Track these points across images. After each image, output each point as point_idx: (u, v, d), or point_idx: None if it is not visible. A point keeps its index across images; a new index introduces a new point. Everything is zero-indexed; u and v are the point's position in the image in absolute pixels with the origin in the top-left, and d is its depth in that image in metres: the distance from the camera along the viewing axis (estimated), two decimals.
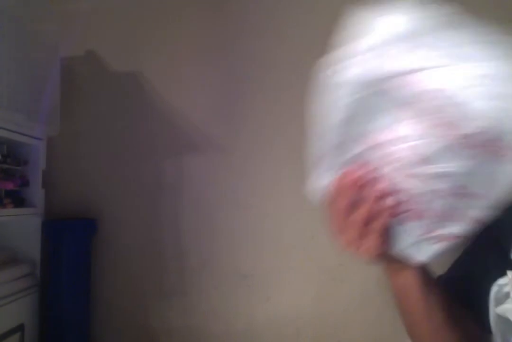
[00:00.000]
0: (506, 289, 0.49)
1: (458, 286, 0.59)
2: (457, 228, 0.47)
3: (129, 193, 1.99)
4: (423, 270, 0.54)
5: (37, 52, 1.73)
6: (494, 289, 0.50)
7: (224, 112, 1.96)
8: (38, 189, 1.78)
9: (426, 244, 0.49)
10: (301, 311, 1.86)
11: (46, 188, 1.82)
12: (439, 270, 0.65)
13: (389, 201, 0.48)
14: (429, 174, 0.45)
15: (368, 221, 0.48)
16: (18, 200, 1.70)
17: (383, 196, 0.48)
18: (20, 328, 1.63)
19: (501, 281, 0.50)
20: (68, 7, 1.96)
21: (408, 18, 0.45)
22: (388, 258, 0.52)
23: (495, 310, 0.50)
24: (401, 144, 0.46)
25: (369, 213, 0.48)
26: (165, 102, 1.99)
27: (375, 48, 0.46)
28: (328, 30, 2.06)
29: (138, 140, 2.01)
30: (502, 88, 0.41)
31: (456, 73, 0.43)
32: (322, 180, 0.51)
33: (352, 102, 0.48)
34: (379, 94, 0.46)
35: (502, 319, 0.49)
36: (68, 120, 1.95)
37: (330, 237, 0.53)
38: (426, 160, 0.45)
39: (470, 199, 0.46)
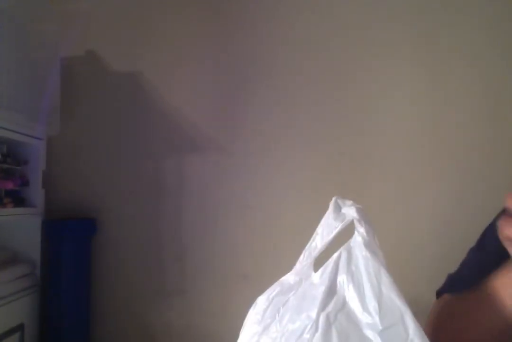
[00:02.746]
0: None
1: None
2: None
3: (129, 193, 1.99)
4: None
5: (37, 52, 1.74)
6: None
7: (224, 112, 1.96)
8: (38, 189, 1.78)
9: None
10: None
11: (46, 188, 1.82)
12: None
13: None
14: None
15: None
16: (18, 200, 1.71)
17: None
18: (20, 327, 1.63)
19: None
20: (68, 7, 1.96)
21: None
22: None
23: None
24: None
25: None
26: (165, 102, 1.99)
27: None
28: (328, 30, 2.05)
29: (138, 140, 2.01)
30: None
31: None
32: None
33: None
34: None
35: None
36: (68, 120, 1.96)
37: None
38: None
39: None
